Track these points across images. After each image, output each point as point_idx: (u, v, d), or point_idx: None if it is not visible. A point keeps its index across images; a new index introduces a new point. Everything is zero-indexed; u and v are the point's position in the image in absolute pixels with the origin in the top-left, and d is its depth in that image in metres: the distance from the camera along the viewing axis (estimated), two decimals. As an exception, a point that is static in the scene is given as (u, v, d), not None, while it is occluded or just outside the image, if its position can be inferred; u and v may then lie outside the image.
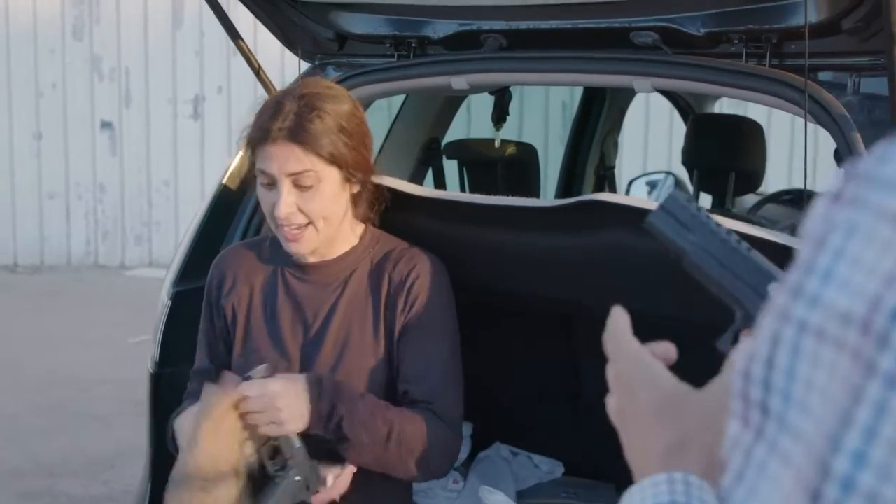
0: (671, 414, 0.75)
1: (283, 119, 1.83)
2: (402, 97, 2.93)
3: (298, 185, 1.85)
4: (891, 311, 0.50)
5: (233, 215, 2.36)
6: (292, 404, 1.79)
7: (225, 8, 2.30)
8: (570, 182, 3.85)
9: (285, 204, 1.84)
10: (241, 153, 2.16)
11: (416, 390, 1.91)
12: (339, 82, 2.35)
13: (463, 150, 3.15)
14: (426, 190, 2.31)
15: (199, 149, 8.04)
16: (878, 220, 0.52)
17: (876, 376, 0.49)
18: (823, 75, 1.93)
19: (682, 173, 3.81)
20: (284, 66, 2.37)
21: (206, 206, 2.39)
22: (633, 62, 2.09)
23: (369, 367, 1.94)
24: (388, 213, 2.09)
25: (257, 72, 2.35)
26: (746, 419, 0.57)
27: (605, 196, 2.06)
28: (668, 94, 4.05)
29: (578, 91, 4.04)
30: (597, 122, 3.86)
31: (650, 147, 7.52)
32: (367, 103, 2.53)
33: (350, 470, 1.87)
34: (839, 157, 1.88)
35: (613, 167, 3.96)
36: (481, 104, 2.96)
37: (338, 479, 1.86)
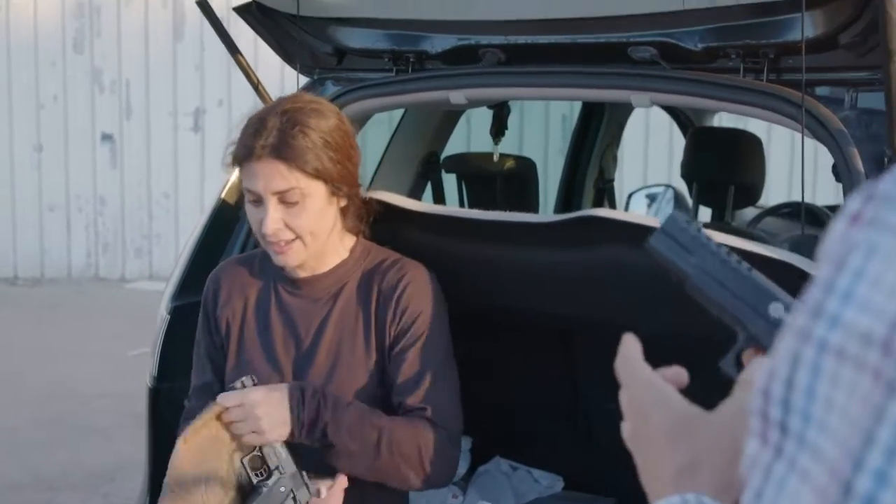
0: (682, 436, 0.76)
1: (266, 136, 1.82)
2: (401, 111, 2.94)
3: (284, 202, 1.85)
4: None
5: (231, 230, 2.36)
6: (273, 412, 1.79)
7: (226, 22, 2.31)
8: (569, 195, 3.86)
9: (272, 220, 1.84)
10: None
11: (410, 399, 1.91)
12: (338, 97, 2.36)
13: (462, 164, 3.15)
14: (424, 205, 2.31)
15: (200, 161, 8.05)
16: None
17: None
18: (821, 90, 1.93)
19: (682, 186, 3.82)
20: (284, 80, 2.38)
21: (204, 221, 2.39)
22: (630, 77, 2.09)
23: (362, 380, 1.93)
24: (386, 227, 2.09)
25: (256, 86, 2.35)
26: (765, 437, 0.57)
27: (602, 212, 2.06)
28: (668, 108, 4.06)
29: (578, 104, 4.05)
30: (596, 135, 3.87)
31: (650, 160, 7.52)
32: (365, 117, 2.54)
33: (342, 481, 1.86)
34: (837, 172, 1.89)
35: (612, 180, 3.96)
36: (481, 118, 2.96)
37: (330, 490, 1.85)
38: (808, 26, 1.84)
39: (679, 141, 4.27)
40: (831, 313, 0.54)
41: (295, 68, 2.46)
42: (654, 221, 2.05)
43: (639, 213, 4.08)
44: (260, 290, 2.03)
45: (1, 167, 8.12)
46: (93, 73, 8.07)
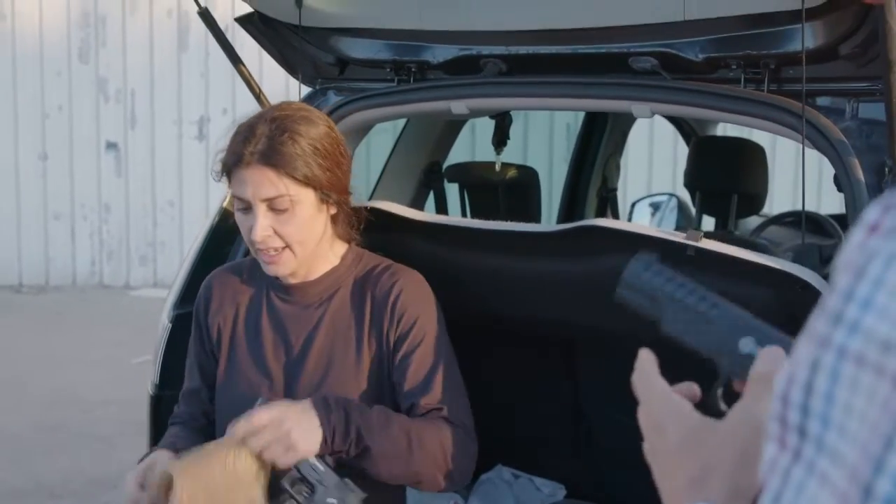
0: (692, 448, 0.78)
1: (255, 143, 1.82)
2: (404, 121, 2.95)
3: (273, 209, 1.84)
4: None
5: (233, 238, 2.36)
6: (302, 422, 1.72)
7: (230, 32, 2.32)
8: (572, 204, 3.86)
9: (261, 227, 1.84)
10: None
11: (422, 401, 1.89)
12: (340, 107, 2.37)
13: (464, 173, 3.16)
14: (425, 214, 2.32)
15: (204, 170, 8.06)
16: None
17: None
18: (821, 101, 1.93)
19: (686, 196, 3.82)
20: (289, 90, 2.39)
21: (206, 230, 2.40)
22: (631, 87, 2.10)
23: (354, 387, 1.92)
24: (387, 237, 2.10)
25: (258, 95, 2.36)
26: (784, 442, 0.58)
27: (603, 221, 2.07)
28: (670, 118, 4.06)
29: (582, 114, 4.05)
30: (599, 144, 3.87)
31: (655, 169, 7.53)
32: (367, 127, 2.54)
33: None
34: (839, 182, 1.89)
35: (616, 189, 3.97)
36: (485, 128, 2.97)
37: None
38: (808, 37, 1.85)
39: (683, 150, 4.28)
40: (851, 320, 0.55)
41: (297, 78, 2.47)
42: (654, 231, 2.05)
43: (642, 222, 4.08)
44: (251, 297, 2.03)
45: (6, 176, 8.14)
46: (98, 83, 8.09)
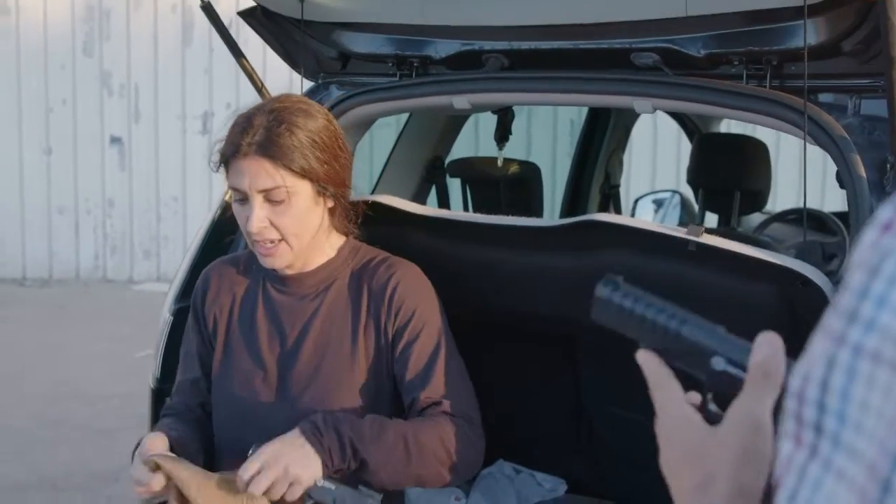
0: (696, 458, 0.79)
1: (252, 134, 1.83)
2: (407, 115, 2.95)
3: (270, 200, 1.85)
4: None
5: (235, 232, 2.37)
6: (297, 455, 1.74)
7: (234, 28, 2.32)
8: (575, 200, 3.86)
9: (257, 219, 1.84)
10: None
11: (423, 395, 1.88)
12: (342, 101, 2.37)
13: (466, 168, 3.16)
14: (425, 208, 2.32)
15: (208, 164, 8.06)
16: None
17: None
18: (823, 97, 1.93)
19: (690, 192, 3.81)
20: (292, 85, 2.39)
21: (208, 224, 2.40)
22: (633, 83, 2.09)
23: (349, 379, 1.92)
24: (388, 231, 2.10)
25: (260, 89, 2.36)
26: (799, 439, 0.58)
27: (603, 216, 2.06)
28: (674, 114, 4.06)
29: (586, 109, 4.05)
30: (602, 140, 3.87)
31: (658, 165, 7.52)
32: (369, 122, 2.54)
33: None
34: (841, 179, 1.89)
35: (618, 185, 3.97)
36: (489, 123, 2.97)
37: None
38: (810, 33, 1.84)
39: (687, 146, 4.27)
40: (866, 318, 0.55)
41: (299, 72, 2.47)
42: (654, 226, 2.05)
43: (645, 218, 4.08)
44: (248, 288, 2.04)
45: (10, 170, 8.15)
46: (102, 77, 8.10)
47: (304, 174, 1.84)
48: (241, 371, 1.97)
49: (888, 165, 1.80)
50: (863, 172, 1.82)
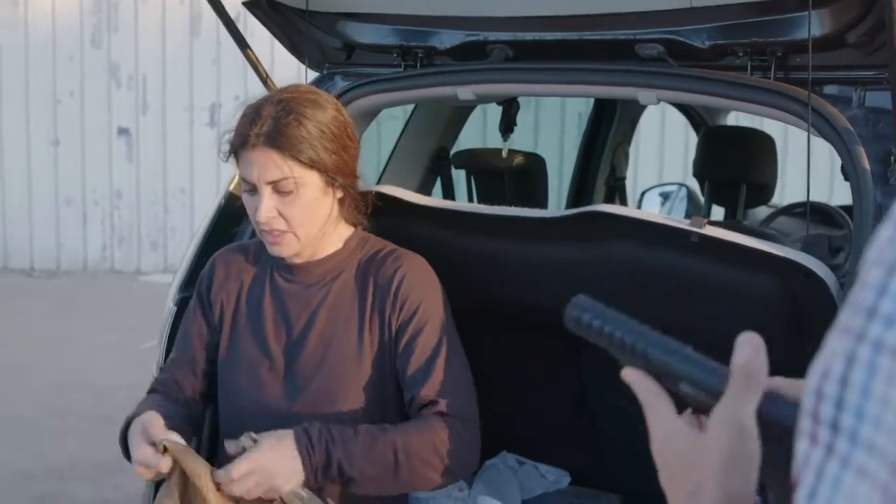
0: (687, 465, 0.78)
1: (261, 124, 1.82)
2: (412, 106, 2.94)
3: (279, 191, 1.85)
4: None
5: (240, 221, 2.37)
6: (285, 466, 1.75)
7: (242, 20, 2.32)
8: (580, 192, 3.85)
9: (265, 209, 1.84)
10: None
11: (422, 393, 1.88)
12: (346, 91, 2.37)
13: (471, 159, 3.15)
14: (430, 199, 2.32)
15: (216, 156, 8.04)
16: None
17: None
18: (828, 89, 1.93)
19: (696, 185, 3.81)
20: (300, 77, 2.40)
21: (212, 214, 2.40)
22: (638, 74, 2.09)
23: (355, 369, 1.92)
24: (393, 221, 2.10)
25: (265, 80, 2.36)
26: (815, 437, 0.58)
27: (607, 207, 2.06)
28: (680, 106, 4.05)
29: (593, 102, 4.04)
30: (608, 132, 3.86)
31: (666, 158, 7.51)
32: (373, 112, 2.54)
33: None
34: (846, 171, 1.88)
35: (624, 178, 3.96)
36: (497, 114, 2.96)
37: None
38: (815, 25, 1.84)
39: (694, 139, 4.27)
40: (886, 314, 0.55)
41: (304, 63, 2.47)
42: (657, 217, 2.05)
43: (652, 211, 4.07)
44: (255, 276, 2.04)
45: (18, 161, 8.17)
46: (110, 69, 8.11)
47: (312, 165, 1.84)
48: (248, 359, 1.97)
49: (892, 157, 1.80)
50: (867, 164, 1.81)
